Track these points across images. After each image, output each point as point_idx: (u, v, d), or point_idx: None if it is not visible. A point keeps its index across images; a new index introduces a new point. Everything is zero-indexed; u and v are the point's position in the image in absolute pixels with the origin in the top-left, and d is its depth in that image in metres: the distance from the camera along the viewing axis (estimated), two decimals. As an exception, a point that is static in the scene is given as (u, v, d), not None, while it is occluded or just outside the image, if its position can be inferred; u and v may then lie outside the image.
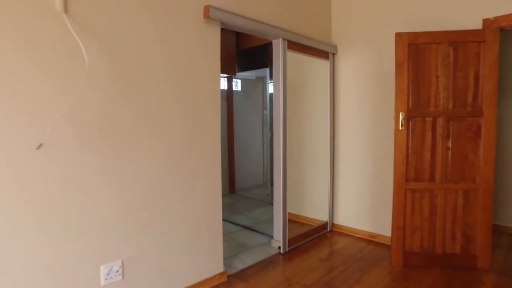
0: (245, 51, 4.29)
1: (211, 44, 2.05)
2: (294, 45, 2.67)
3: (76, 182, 1.49)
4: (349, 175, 3.11)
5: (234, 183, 4.69)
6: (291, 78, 2.77)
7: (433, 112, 2.23)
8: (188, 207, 1.96)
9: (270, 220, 3.37)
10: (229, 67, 4.23)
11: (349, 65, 3.05)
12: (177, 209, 1.90)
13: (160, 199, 1.81)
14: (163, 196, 1.83)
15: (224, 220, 3.50)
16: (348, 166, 3.11)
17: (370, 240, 2.91)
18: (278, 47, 2.57)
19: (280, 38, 2.53)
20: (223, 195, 4.60)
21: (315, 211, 3.34)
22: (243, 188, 4.80)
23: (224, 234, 3.05)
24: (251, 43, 4.15)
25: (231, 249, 2.72)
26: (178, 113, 1.88)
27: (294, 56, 2.74)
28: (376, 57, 2.84)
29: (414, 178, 2.29)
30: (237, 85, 4.77)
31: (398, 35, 2.24)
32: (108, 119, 1.58)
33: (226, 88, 4.56)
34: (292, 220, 3.47)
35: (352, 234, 3.08)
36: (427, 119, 2.25)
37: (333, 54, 3.12)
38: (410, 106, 2.27)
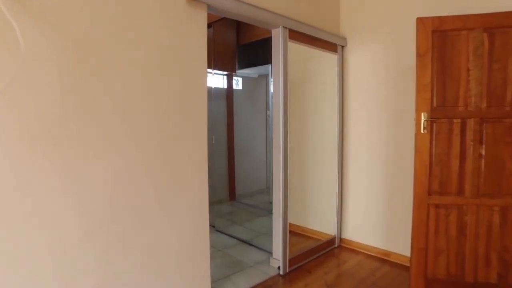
0: (246, 46, 3.96)
1: (196, 32, 1.73)
2: (297, 35, 2.33)
3: (19, 191, 1.18)
4: (360, 184, 2.74)
5: (234, 189, 4.35)
6: (293, 74, 2.42)
7: (462, 112, 1.86)
8: (167, 223, 1.63)
9: (271, 233, 3.03)
10: (228, 63, 3.90)
11: (360, 59, 2.69)
12: (152, 225, 1.57)
13: (130, 213, 1.49)
14: (134, 209, 1.50)
15: (220, 231, 3.18)
16: (359, 174, 2.74)
17: (384, 259, 2.54)
18: (277, 37, 2.23)
19: (280, 27, 2.19)
20: (222, 203, 4.30)
21: (321, 223, 2.98)
22: (245, 194, 4.46)
23: (218, 250, 2.72)
24: (253, 37, 3.81)
25: (224, 268, 2.38)
26: (154, 112, 1.55)
27: (296, 48, 2.39)
28: (393, 49, 2.47)
29: (438, 191, 1.92)
30: (238, 83, 4.44)
31: (420, 21, 1.88)
32: (62, 117, 1.27)
33: (225, 86, 4.24)
34: (295, 233, 3.13)
35: (362, 251, 2.71)
36: (455, 120, 1.88)
37: (342, 46, 2.77)
38: (434, 105, 1.90)
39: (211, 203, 3.91)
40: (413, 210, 1.96)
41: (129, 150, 1.47)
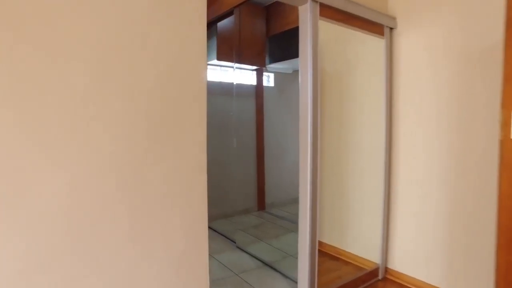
0: (277, 37, 3.49)
1: (189, 8, 1.32)
2: (330, 12, 1.83)
3: None
4: (412, 201, 2.15)
5: (263, 197, 3.91)
6: (326, 63, 1.92)
7: None
8: (141, 257, 1.24)
9: (300, 255, 2.55)
10: (256, 57, 3.47)
11: (415, 44, 2.11)
12: (119, 270, 1.19)
13: (86, 252, 1.11)
14: (92, 248, 1.12)
15: (240, 249, 2.75)
16: (412, 189, 2.15)
17: (446, 304, 1.94)
18: (305, 14, 1.75)
19: (309, 1, 1.71)
20: (249, 212, 3.87)
21: (362, 246, 2.44)
22: (275, 203, 4.00)
23: (234, 274, 2.30)
24: (285, 26, 3.32)
25: (236, 302, 1.95)
26: (123, 111, 1.17)
27: (330, 30, 1.89)
28: (462, 28, 1.86)
29: (538, 224, 1.31)
30: (269, 79, 3.99)
31: (511, -24, 1.29)
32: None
33: (255, 83, 3.81)
34: (329, 255, 2.62)
35: (416, 288, 2.12)
36: None
37: (391, 28, 2.20)
38: (533, 98, 1.29)
39: (233, 214, 3.54)
40: (497, 249, 1.36)
41: (84, 157, 1.10)
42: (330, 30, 1.90)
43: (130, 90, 1.17)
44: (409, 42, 2.14)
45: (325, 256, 2.64)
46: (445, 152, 1.96)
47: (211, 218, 3.57)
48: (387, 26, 2.16)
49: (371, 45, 2.19)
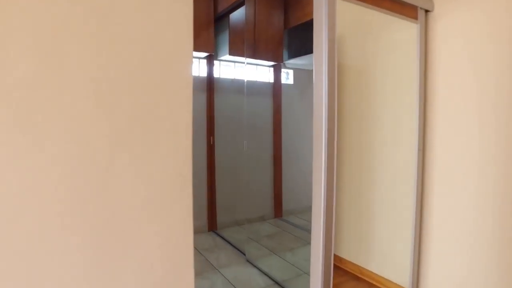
0: (296, 30, 3.20)
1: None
2: (350, -11, 1.52)
3: None
4: (453, 216, 1.79)
5: (280, 203, 3.63)
6: (347, 52, 1.62)
7: None
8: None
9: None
10: (273, 52, 3.19)
11: (458, 30, 1.75)
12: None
13: None
14: None
15: (250, 263, 2.49)
16: (451, 200, 1.79)
17: None
18: (319, -8, 1.46)
19: (322, -25, 1.42)
20: (264, 220, 3.57)
21: (388, 266, 2.10)
22: (294, 210, 3.69)
23: (238, 294, 2.04)
24: (305, 16, 3.03)
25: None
26: (77, 107, 0.94)
27: (351, 12, 1.59)
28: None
29: None
30: (288, 76, 3.70)
31: None
32: None
33: (272, 80, 3.54)
34: (349, 273, 2.30)
35: (456, 324, 1.75)
36: None
37: (426, 11, 1.85)
38: None
39: (247, 221, 3.28)
40: None
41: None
42: (351, 12, 1.59)
43: (86, 80, 0.95)
44: (450, 27, 1.78)
45: (346, 275, 2.32)
46: (498, 162, 1.59)
47: (222, 225, 3.35)
48: (421, 8, 1.82)
49: (402, 31, 1.86)
